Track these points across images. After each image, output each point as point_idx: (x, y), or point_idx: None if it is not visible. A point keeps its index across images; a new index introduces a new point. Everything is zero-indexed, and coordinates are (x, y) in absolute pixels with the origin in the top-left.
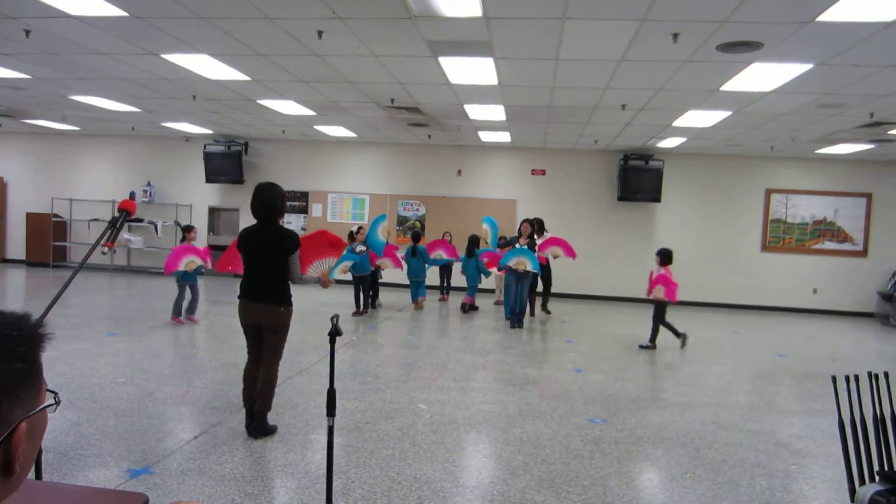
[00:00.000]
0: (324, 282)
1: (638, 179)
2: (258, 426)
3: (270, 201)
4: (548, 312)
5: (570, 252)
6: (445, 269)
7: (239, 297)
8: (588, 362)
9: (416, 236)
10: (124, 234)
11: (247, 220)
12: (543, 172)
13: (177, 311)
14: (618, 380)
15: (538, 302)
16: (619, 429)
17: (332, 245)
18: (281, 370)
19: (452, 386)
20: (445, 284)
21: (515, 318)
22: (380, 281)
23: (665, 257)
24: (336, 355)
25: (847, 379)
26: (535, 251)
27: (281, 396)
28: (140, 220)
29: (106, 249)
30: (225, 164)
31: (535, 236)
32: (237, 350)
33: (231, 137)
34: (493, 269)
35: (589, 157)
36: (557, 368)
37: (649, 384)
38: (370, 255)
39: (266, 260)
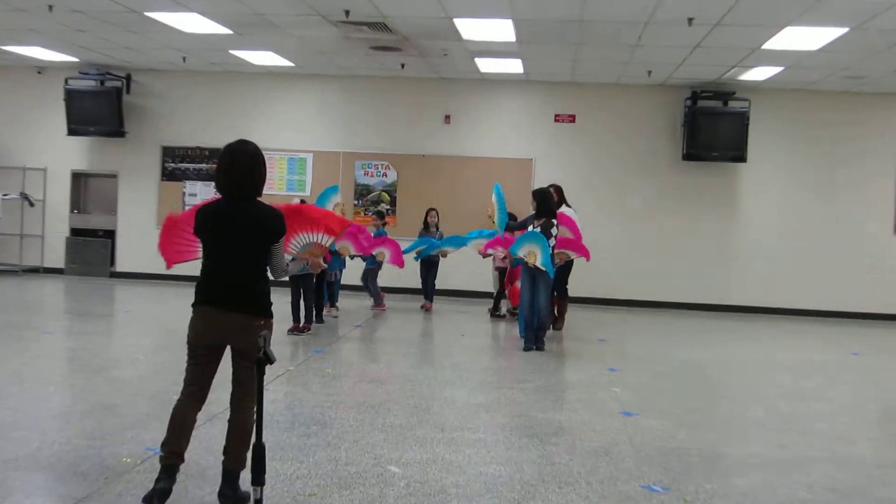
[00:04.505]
0: (313, 263)
1: (713, 129)
2: (229, 493)
3: (249, 169)
4: (558, 329)
5: (581, 248)
6: (428, 266)
7: (196, 305)
8: (640, 401)
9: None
10: None
11: (131, 191)
12: (573, 119)
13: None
14: (684, 426)
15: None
16: (690, 500)
17: (318, 222)
18: None
19: (439, 438)
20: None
21: (533, 335)
22: (330, 280)
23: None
24: (265, 393)
25: None
26: (552, 235)
27: None
28: None
29: None
30: (96, 107)
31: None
32: (115, 385)
33: (105, 68)
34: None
35: (640, 97)
36: (595, 411)
37: (731, 432)
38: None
39: (241, 251)
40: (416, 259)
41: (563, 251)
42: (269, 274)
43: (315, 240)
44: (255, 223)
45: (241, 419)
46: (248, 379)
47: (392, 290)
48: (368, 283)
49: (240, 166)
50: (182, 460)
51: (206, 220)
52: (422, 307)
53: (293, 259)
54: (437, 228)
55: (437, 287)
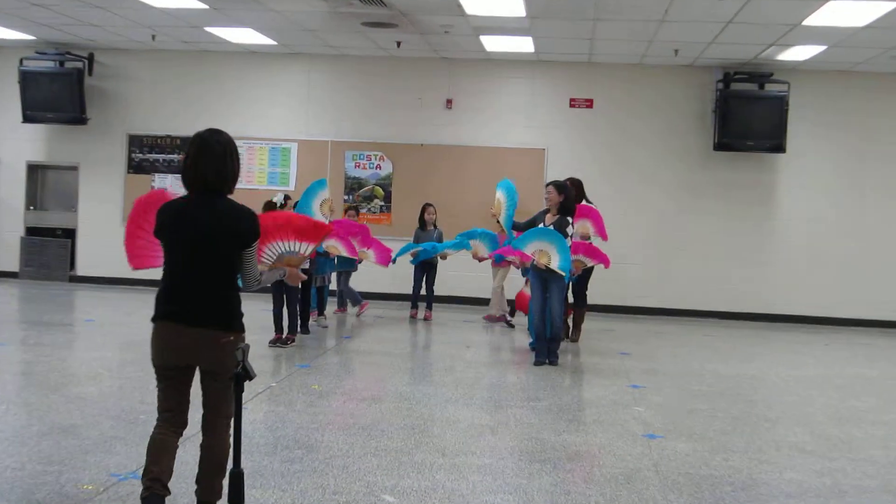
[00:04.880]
0: (291, 274)
1: (748, 115)
2: None
3: (219, 162)
4: (574, 341)
5: (601, 230)
6: (426, 269)
7: (155, 320)
8: (666, 422)
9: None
10: None
11: (93, 185)
12: (590, 104)
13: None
14: (717, 450)
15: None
16: None
17: (297, 228)
18: None
19: (439, 463)
20: (424, 292)
21: (545, 348)
22: (319, 285)
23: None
24: (244, 412)
25: None
26: (568, 235)
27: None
28: None
29: None
30: (55, 90)
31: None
32: (75, 404)
33: (65, 47)
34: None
35: (665, 79)
36: (616, 433)
37: (769, 457)
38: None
39: (207, 256)
40: (412, 262)
41: (579, 258)
42: (239, 283)
43: (292, 248)
44: (224, 224)
45: (214, 444)
46: (221, 400)
47: (388, 297)
48: (340, 286)
49: (209, 158)
50: (167, 491)
51: (168, 221)
52: (411, 317)
53: (268, 270)
54: (436, 226)
55: (436, 293)
